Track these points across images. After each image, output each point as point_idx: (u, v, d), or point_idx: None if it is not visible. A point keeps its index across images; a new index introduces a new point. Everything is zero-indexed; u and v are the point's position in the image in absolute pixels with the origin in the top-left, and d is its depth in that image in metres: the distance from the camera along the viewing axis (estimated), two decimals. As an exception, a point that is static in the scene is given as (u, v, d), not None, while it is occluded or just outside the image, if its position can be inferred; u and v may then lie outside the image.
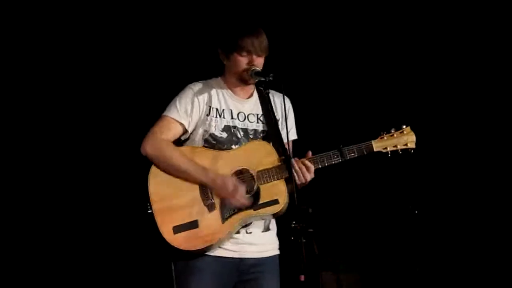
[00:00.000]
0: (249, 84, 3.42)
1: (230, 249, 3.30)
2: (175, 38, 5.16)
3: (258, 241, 3.36)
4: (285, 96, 3.36)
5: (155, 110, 3.42)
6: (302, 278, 3.03)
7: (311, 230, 3.11)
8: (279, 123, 3.38)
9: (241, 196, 3.24)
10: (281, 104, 3.44)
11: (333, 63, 5.43)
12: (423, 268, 5.29)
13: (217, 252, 3.29)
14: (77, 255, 5.04)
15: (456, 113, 5.39)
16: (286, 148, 3.26)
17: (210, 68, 3.52)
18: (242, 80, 3.39)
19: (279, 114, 3.44)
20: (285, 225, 3.35)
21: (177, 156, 3.28)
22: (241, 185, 3.25)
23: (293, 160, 3.28)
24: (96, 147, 5.08)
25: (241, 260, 3.32)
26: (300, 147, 3.52)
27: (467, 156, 5.36)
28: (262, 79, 3.28)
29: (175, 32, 5.16)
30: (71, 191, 5.06)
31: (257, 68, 3.33)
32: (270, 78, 3.24)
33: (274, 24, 5.05)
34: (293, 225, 3.13)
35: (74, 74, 5.08)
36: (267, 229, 3.40)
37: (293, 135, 3.55)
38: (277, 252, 3.44)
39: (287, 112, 3.37)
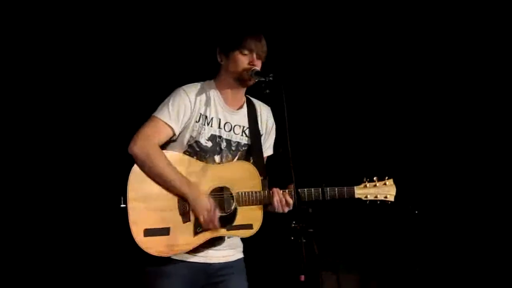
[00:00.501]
0: (247, 85, 3.42)
1: (197, 255, 3.35)
2: (168, 36, 5.12)
3: (223, 246, 3.39)
4: (269, 110, 3.48)
5: (142, 106, 3.44)
6: (302, 278, 3.03)
7: (311, 230, 3.11)
8: (262, 138, 3.45)
9: (214, 221, 3.26)
10: (266, 120, 3.51)
11: (333, 64, 5.41)
12: (423, 268, 5.29)
13: (185, 257, 3.32)
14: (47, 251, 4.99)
15: (456, 113, 5.38)
16: (264, 165, 3.36)
17: (203, 69, 3.52)
18: (241, 80, 3.38)
19: (263, 129, 3.49)
20: (285, 225, 3.36)
21: (164, 165, 3.27)
22: (216, 210, 3.27)
23: (275, 190, 3.33)
24: (77, 140, 5.03)
25: (208, 264, 3.37)
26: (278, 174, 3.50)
27: (467, 156, 5.36)
28: (262, 79, 3.27)
29: (168, 30, 5.12)
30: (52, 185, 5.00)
31: (257, 68, 3.33)
32: (270, 78, 3.24)
33: (274, 26, 5.09)
34: (293, 225, 3.14)
35: (77, 77, 5.06)
36: None
37: (270, 151, 3.60)
38: (241, 255, 3.50)
39: (268, 126, 3.49)
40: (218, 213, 3.28)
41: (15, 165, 4.95)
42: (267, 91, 3.35)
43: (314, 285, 4.67)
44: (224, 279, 3.39)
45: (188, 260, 3.33)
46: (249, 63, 3.35)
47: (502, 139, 5.30)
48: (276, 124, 3.59)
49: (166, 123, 3.32)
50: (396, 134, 5.34)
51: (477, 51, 5.33)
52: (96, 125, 4.98)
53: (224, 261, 3.41)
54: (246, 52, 3.34)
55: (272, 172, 3.45)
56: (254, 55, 3.34)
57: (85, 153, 5.00)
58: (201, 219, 3.26)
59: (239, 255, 3.50)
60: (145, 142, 3.28)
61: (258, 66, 3.36)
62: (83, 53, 5.01)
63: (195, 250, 3.32)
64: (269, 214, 3.42)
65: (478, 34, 5.30)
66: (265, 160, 3.54)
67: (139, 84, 4.98)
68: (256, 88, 3.44)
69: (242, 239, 3.51)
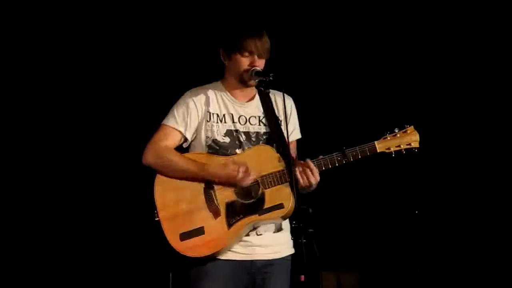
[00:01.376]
0: (249, 85, 3.41)
1: (241, 252, 3.30)
2: (178, 43, 5.15)
3: (269, 243, 3.35)
4: (286, 95, 3.36)
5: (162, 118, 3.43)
6: (302, 278, 3.03)
7: (311, 230, 3.10)
8: (282, 123, 3.37)
9: (247, 172, 3.21)
10: (283, 104, 3.37)
11: (333, 63, 5.41)
12: (423, 268, 5.28)
13: (228, 256, 3.29)
14: (86, 264, 5.06)
15: (456, 113, 5.38)
16: (288, 150, 3.24)
17: (211, 72, 3.51)
18: (242, 81, 3.38)
19: (281, 115, 3.42)
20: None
21: (177, 159, 3.30)
22: (241, 168, 3.23)
23: (297, 162, 3.27)
24: (107, 156, 5.09)
25: (252, 262, 3.31)
26: (302, 149, 3.51)
27: (467, 156, 5.35)
28: (263, 79, 3.28)
29: (178, 37, 5.15)
30: (81, 200, 5.08)
31: (258, 68, 3.32)
32: (270, 78, 3.25)
33: (275, 23, 5.08)
34: (293, 225, 3.14)
35: (86, 83, 5.11)
36: (278, 229, 3.38)
37: (296, 135, 3.54)
38: (290, 251, 3.41)
39: (287, 112, 3.37)
40: (245, 167, 3.22)
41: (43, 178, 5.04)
42: (268, 90, 3.37)
43: (314, 285, 4.68)
44: (264, 277, 3.32)
45: (231, 258, 3.28)
46: (249, 64, 3.34)
47: (502, 139, 5.29)
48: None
49: (173, 128, 3.34)
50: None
51: (476, 49, 5.33)
52: (123, 140, 5.01)
53: (268, 258, 3.33)
54: (246, 53, 3.33)
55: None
56: (255, 56, 3.33)
57: (112, 168, 5.08)
58: (235, 180, 3.22)
59: (287, 251, 3.40)
60: (155, 147, 3.32)
61: (260, 65, 3.34)
62: (102, 66, 5.08)
63: (238, 248, 3.29)
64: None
65: (478, 29, 5.31)
66: (294, 144, 3.50)
67: (159, 97, 5.00)
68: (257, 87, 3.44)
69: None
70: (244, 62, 3.34)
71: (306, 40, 5.39)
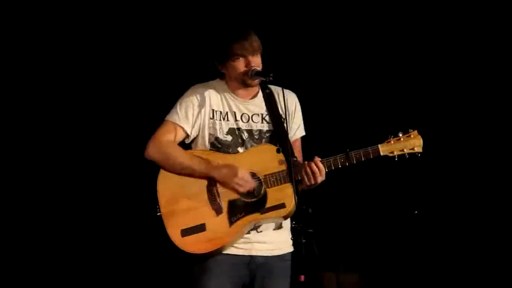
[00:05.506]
0: (252, 85, 3.42)
1: (241, 248, 3.32)
2: (179, 41, 5.16)
3: (269, 240, 3.36)
4: (291, 92, 3.41)
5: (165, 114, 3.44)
6: (302, 278, 3.03)
7: (311, 230, 3.11)
8: (285, 121, 3.36)
9: (248, 180, 3.25)
10: (287, 102, 3.39)
11: (338, 65, 5.39)
12: (423, 269, 5.29)
13: (228, 250, 3.30)
14: (88, 259, 5.07)
15: (456, 113, 5.38)
16: (291, 149, 3.28)
17: (213, 69, 3.52)
18: (244, 83, 3.39)
19: (284, 113, 3.38)
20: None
21: (179, 154, 3.32)
22: (245, 172, 3.26)
23: (299, 162, 3.29)
24: (108, 152, 5.10)
25: (251, 258, 3.33)
26: (306, 151, 3.51)
27: (467, 157, 5.36)
28: (263, 79, 3.29)
29: (179, 36, 5.16)
30: (81, 196, 5.09)
31: (257, 68, 3.33)
32: (270, 78, 3.26)
33: (278, 24, 5.10)
34: (293, 225, 3.14)
35: (90, 78, 5.12)
36: (279, 227, 3.39)
37: (301, 132, 3.54)
38: (290, 249, 3.43)
39: (291, 108, 3.43)
40: (247, 174, 3.26)
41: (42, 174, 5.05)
42: (268, 90, 3.38)
43: (314, 285, 4.68)
44: (265, 275, 3.34)
45: (231, 253, 3.30)
46: (246, 66, 3.34)
47: (501, 140, 5.30)
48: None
49: (176, 124, 3.35)
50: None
51: (476, 49, 5.33)
52: (126, 137, 5.01)
53: (268, 255, 3.35)
54: (237, 57, 3.33)
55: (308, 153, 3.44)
56: (248, 57, 3.34)
57: (113, 164, 5.09)
58: (234, 185, 3.25)
59: (287, 249, 3.42)
60: (157, 141, 3.33)
61: (256, 63, 3.34)
62: (104, 65, 5.10)
63: (238, 243, 3.31)
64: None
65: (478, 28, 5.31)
66: (299, 142, 3.52)
67: (162, 94, 5.00)
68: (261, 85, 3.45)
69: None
70: (239, 65, 3.35)
71: (310, 40, 5.38)
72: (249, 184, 3.26)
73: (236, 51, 3.31)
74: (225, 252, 3.29)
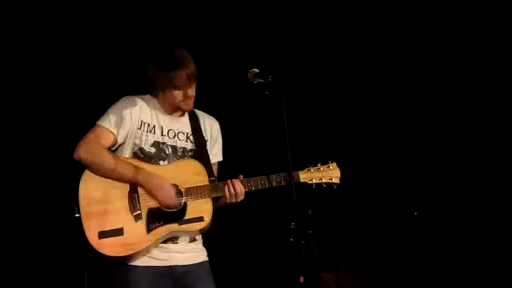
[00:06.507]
0: (184, 110, 3.52)
1: (159, 258, 3.39)
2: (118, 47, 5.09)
3: (187, 249, 3.46)
4: (215, 119, 3.64)
5: (92, 117, 3.47)
6: (302, 279, 3.04)
7: (310, 231, 3.12)
8: (207, 144, 3.55)
9: (171, 195, 3.33)
10: (210, 127, 3.62)
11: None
12: (422, 269, 5.29)
13: (147, 262, 3.36)
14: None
15: (456, 114, 5.39)
16: (212, 168, 3.46)
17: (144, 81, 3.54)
18: (178, 108, 3.50)
19: (207, 136, 3.59)
20: (284, 226, 3.36)
21: (110, 157, 3.36)
22: (172, 188, 3.35)
23: (218, 183, 3.44)
24: (32, 150, 4.97)
25: (172, 268, 3.40)
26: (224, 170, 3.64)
27: (466, 157, 5.37)
28: (262, 80, 3.31)
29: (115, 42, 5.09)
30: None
31: (256, 70, 3.35)
32: (269, 80, 3.28)
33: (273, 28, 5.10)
34: (292, 227, 3.15)
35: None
36: (193, 240, 3.50)
37: (219, 157, 3.68)
38: (205, 258, 3.54)
39: (214, 135, 3.62)
40: (173, 191, 3.34)
41: None
42: (267, 92, 3.39)
43: (314, 286, 4.69)
44: (191, 282, 3.42)
45: (151, 265, 3.36)
46: (183, 95, 3.43)
47: (501, 140, 5.30)
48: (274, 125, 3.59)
49: (107, 129, 3.40)
50: (397, 133, 5.36)
51: (475, 51, 5.34)
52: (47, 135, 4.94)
53: (187, 263, 3.44)
54: (177, 88, 3.41)
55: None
56: (187, 90, 3.42)
57: (36, 164, 4.95)
58: (158, 197, 3.33)
59: (203, 258, 3.53)
60: (88, 143, 3.36)
61: (192, 92, 3.44)
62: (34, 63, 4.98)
63: (156, 254, 3.37)
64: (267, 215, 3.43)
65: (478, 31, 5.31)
66: (216, 165, 3.65)
67: (88, 98, 4.95)
68: (255, 89, 3.45)
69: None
70: (178, 95, 3.44)
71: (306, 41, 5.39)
72: (172, 201, 3.34)
73: (175, 83, 3.39)
74: (144, 265, 3.34)
